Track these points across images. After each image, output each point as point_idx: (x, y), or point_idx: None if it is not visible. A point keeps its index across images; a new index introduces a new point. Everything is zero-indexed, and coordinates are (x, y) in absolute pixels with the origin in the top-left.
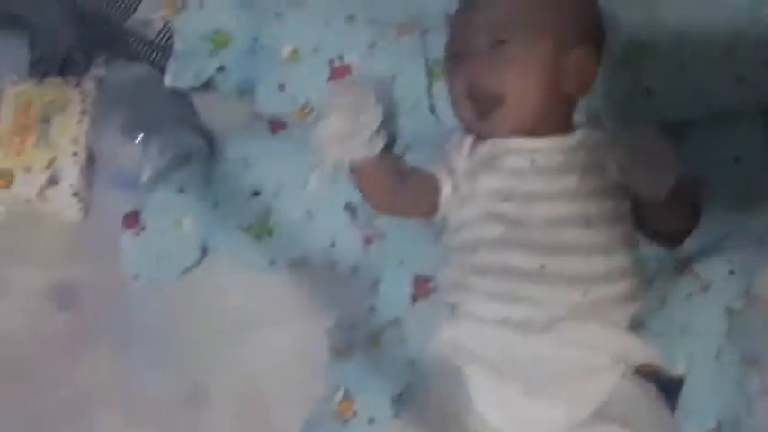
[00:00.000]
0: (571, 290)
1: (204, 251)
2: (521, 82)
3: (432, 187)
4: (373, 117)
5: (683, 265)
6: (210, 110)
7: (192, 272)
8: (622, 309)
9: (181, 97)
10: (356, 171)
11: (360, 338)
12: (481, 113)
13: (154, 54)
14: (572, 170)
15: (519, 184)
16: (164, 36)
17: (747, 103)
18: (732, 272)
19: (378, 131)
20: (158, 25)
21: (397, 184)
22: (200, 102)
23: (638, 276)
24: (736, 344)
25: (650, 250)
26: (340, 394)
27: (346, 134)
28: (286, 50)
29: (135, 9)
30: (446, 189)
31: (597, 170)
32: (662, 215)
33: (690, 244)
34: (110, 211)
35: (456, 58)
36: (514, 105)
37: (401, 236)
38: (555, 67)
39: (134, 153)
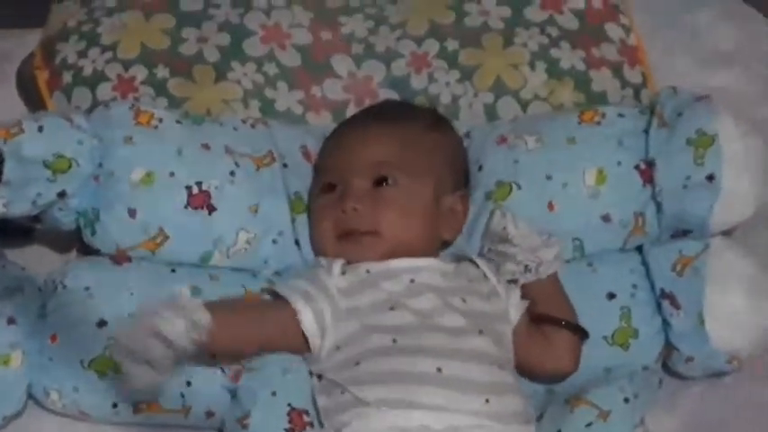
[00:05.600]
0: (472, 397)
1: (30, 396)
2: (399, 221)
3: (288, 316)
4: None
5: (573, 398)
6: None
7: (15, 424)
8: (525, 426)
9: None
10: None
11: None
12: (347, 239)
13: None
14: (453, 291)
15: (402, 300)
16: None
17: (616, 242)
18: (626, 400)
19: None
20: None
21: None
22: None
23: (530, 402)
24: None
25: (538, 386)
26: None
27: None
28: (137, 174)
29: None
30: (307, 315)
31: (481, 296)
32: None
33: (573, 380)
34: None
35: (328, 190)
36: (389, 238)
37: (273, 367)
38: (431, 212)
39: None
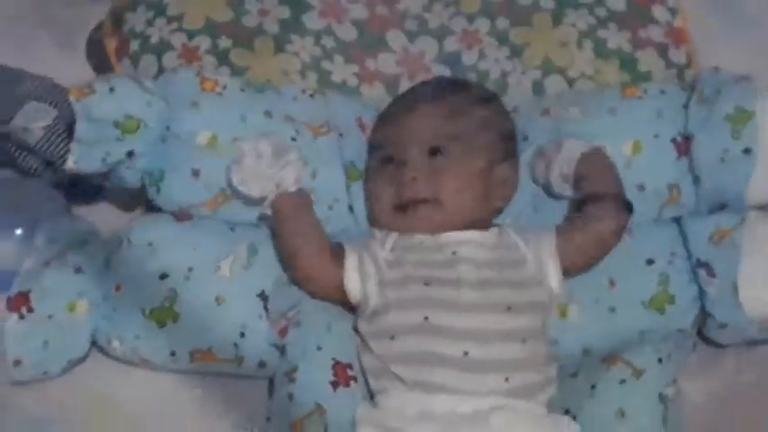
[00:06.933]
0: (494, 376)
1: (94, 343)
2: (455, 188)
3: (337, 254)
4: (298, 157)
5: (609, 357)
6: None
7: (79, 369)
8: (541, 394)
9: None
10: (278, 203)
11: (280, 429)
12: (403, 210)
13: (32, 160)
14: (491, 263)
15: (441, 272)
16: (44, 144)
17: (651, 212)
18: (660, 360)
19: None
20: (38, 134)
21: (313, 228)
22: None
23: (552, 364)
24: (672, 430)
25: (575, 347)
26: None
27: (274, 167)
28: (203, 137)
29: (9, 119)
30: (351, 260)
31: (514, 265)
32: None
33: (609, 342)
34: None
35: (386, 162)
36: (448, 206)
37: (318, 322)
38: (484, 180)
39: (10, 249)
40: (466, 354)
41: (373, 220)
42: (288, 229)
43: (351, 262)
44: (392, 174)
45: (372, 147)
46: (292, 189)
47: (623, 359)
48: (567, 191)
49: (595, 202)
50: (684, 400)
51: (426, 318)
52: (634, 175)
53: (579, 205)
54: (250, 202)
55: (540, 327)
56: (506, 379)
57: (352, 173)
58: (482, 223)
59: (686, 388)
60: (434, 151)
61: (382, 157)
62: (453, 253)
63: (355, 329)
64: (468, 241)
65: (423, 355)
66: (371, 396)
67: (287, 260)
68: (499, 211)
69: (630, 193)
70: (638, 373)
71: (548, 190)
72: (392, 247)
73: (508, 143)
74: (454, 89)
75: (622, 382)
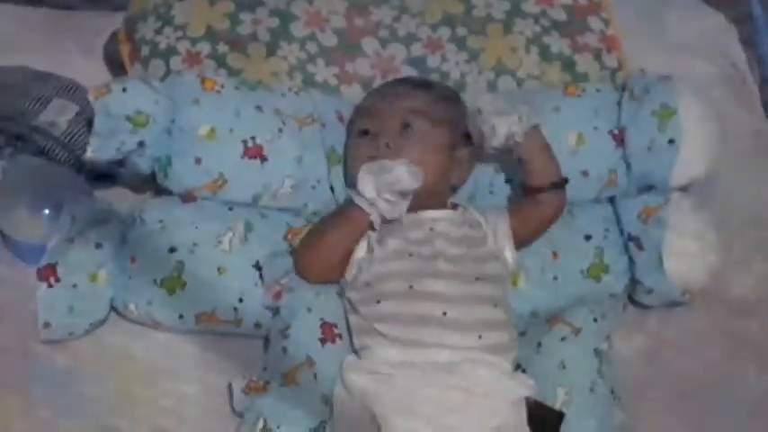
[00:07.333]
0: (469, 334)
1: (113, 308)
2: (421, 158)
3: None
4: (401, 212)
5: (552, 318)
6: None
7: (100, 330)
8: (508, 353)
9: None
10: (354, 211)
11: (275, 377)
12: None
13: (57, 149)
14: (461, 240)
15: (421, 248)
16: (68, 135)
17: (590, 193)
18: (595, 320)
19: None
20: (63, 126)
21: (349, 244)
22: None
23: (516, 329)
24: (606, 379)
25: (524, 310)
26: (260, 425)
27: (385, 192)
28: (203, 129)
29: (39, 114)
30: (360, 252)
31: (478, 243)
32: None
33: (552, 305)
34: (12, 280)
35: (363, 135)
36: None
37: (308, 288)
38: (446, 158)
39: (39, 227)
40: (444, 314)
41: (353, 186)
42: (336, 230)
43: (359, 254)
44: (368, 144)
45: (350, 129)
46: (374, 215)
47: (564, 319)
48: (496, 142)
49: (541, 192)
50: (616, 354)
51: (411, 286)
52: (579, 162)
53: (523, 186)
54: (353, 189)
55: (505, 295)
56: (479, 336)
57: (332, 158)
58: (441, 198)
59: (617, 343)
60: (405, 126)
61: (360, 130)
62: (431, 229)
63: (340, 294)
64: (442, 219)
65: (406, 316)
66: (355, 353)
67: (315, 245)
68: (455, 190)
69: (575, 178)
70: (576, 331)
71: (481, 144)
72: (378, 226)
73: (466, 129)
74: (422, 83)
75: (563, 339)
